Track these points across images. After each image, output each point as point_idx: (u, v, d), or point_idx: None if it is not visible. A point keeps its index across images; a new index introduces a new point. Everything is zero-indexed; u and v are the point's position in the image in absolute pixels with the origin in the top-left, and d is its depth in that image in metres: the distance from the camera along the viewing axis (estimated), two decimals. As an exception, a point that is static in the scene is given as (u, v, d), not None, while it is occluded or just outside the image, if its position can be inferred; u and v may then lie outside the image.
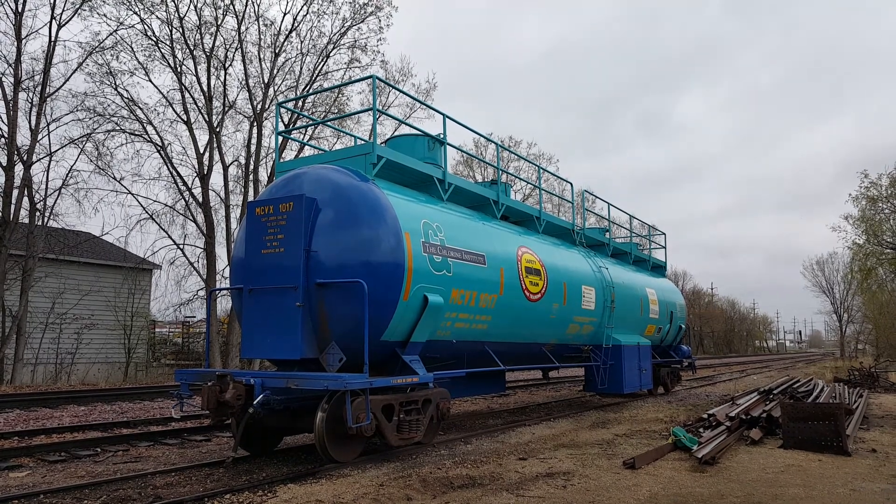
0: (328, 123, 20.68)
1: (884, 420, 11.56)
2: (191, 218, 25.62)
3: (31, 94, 21.59)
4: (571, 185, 15.57)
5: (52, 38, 21.70)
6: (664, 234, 19.69)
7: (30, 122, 21.46)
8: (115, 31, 23.30)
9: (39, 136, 21.54)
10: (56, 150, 22.41)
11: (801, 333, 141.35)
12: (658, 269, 18.81)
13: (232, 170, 26.58)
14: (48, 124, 22.00)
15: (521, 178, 15.02)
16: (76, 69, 22.73)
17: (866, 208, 29.43)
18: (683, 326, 18.48)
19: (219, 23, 25.12)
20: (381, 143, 9.82)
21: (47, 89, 21.70)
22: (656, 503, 5.73)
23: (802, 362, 51.18)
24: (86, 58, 22.86)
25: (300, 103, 26.14)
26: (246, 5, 25.34)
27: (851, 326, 68.80)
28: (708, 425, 9.72)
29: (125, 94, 24.07)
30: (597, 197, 17.00)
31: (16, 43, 21.07)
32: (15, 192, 20.83)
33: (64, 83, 22.66)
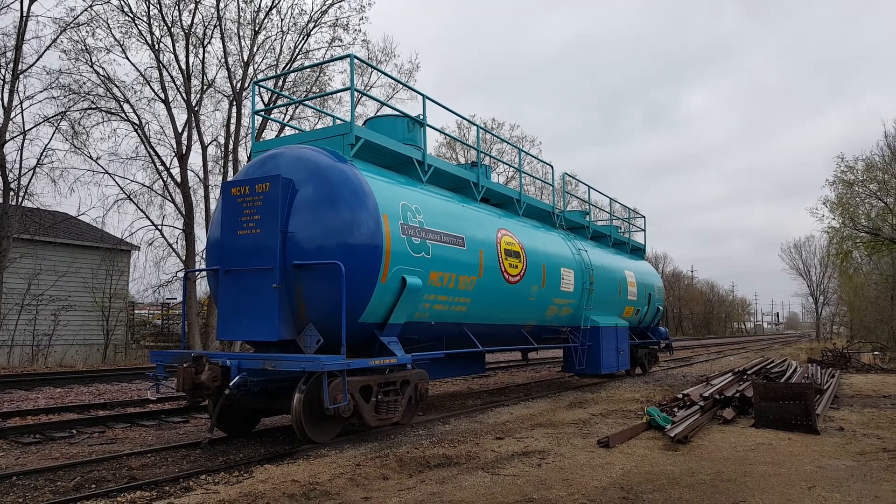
0: (307, 103, 20.46)
1: (853, 399, 11.82)
2: (169, 198, 25.29)
3: (3, 71, 21.09)
4: (552, 167, 15.60)
5: (25, 13, 21.18)
6: (644, 217, 19.84)
7: (2, 100, 20.99)
8: (91, 6, 22.74)
9: (12, 114, 21.10)
10: (30, 129, 21.96)
11: (778, 315, 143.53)
12: (637, 251, 18.97)
13: (211, 150, 26.26)
14: (21, 102, 21.54)
15: (502, 161, 15.03)
16: (50, 45, 22.20)
17: (843, 192, 29.82)
18: (661, 308, 18.69)
19: (196, -1, 24.64)
20: (361, 124, 9.75)
21: (20, 66, 21.21)
22: (628, 481, 5.83)
23: (779, 344, 52.05)
24: (59, 34, 22.33)
25: (280, 83, 25.82)
26: (224, -18, 24.86)
27: (827, 309, 69.92)
28: (682, 405, 9.88)
29: (101, 72, 23.57)
30: (578, 180, 17.06)
31: (-14, 18, 20.54)
32: (-13, 172, 20.42)
33: (37, 60, 22.12)
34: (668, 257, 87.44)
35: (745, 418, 9.31)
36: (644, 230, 19.66)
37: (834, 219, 30.22)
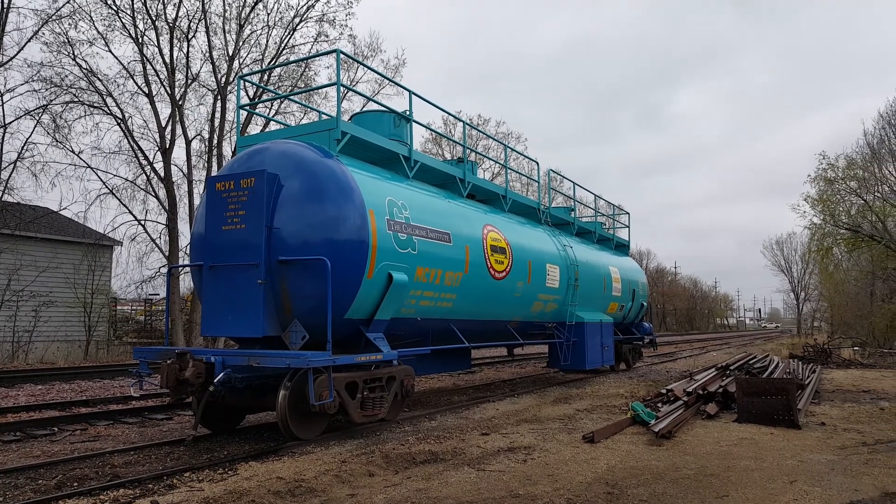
0: (292, 98, 20.32)
1: (834, 394, 11.98)
2: (152, 193, 25.05)
3: (-18, 63, 20.77)
4: (538, 164, 15.64)
5: (6, 4, 20.89)
6: (628, 213, 19.93)
7: (-19, 93, 20.67)
8: (72, -2, 22.45)
9: (-8, 107, 20.79)
10: (10, 122, 21.66)
11: (760, 311, 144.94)
12: (621, 247, 19.07)
13: (195, 144, 26.02)
14: (1, 95, 21.25)
15: (488, 157, 14.99)
16: (31, 37, 21.91)
17: (824, 189, 30.12)
18: (645, 304, 18.82)
19: (180, -8, 24.37)
20: (347, 120, 9.71)
21: (0, 58, 20.91)
22: (613, 476, 5.87)
23: (761, 339, 52.63)
24: (41, 26, 22.03)
25: (265, 77, 25.63)
26: (209, -25, 24.61)
27: (808, 304, 70.83)
28: (666, 400, 9.96)
29: (84, 65, 23.27)
30: (563, 177, 17.10)
31: (-35, 9, 20.18)
32: (-33, 165, 20.11)
33: (18, 52, 21.80)
34: (653, 254, 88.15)
35: (728, 413, 9.39)
36: (628, 227, 19.77)
37: (815, 215, 30.54)
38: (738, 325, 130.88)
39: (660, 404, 9.76)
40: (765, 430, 8.12)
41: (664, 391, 10.52)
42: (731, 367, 13.79)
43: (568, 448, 7.11)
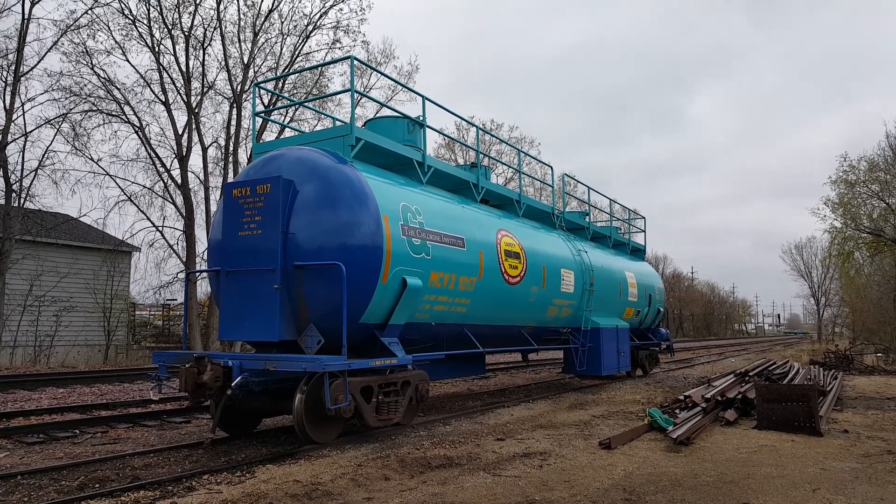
0: (307, 105, 20.46)
1: (857, 401, 11.80)
2: (170, 200, 25.35)
3: (4, 73, 21.14)
4: (552, 168, 15.61)
5: (26, 16, 21.22)
6: (644, 218, 19.82)
7: (3, 102, 21.03)
8: (91, 8, 22.81)
9: (14, 116, 21.14)
10: (31, 131, 22.00)
11: (779, 317, 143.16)
12: (637, 252, 18.95)
13: (211, 151, 26.32)
14: (23, 104, 21.59)
15: (501, 162, 15.00)
16: (51, 48, 22.28)
17: (844, 192, 29.73)
18: (662, 309, 18.67)
19: (197, 1, 24.70)
20: (361, 126, 9.76)
21: (21, 68, 21.26)
22: (630, 482, 5.83)
23: (780, 345, 51.99)
24: (60, 36, 22.40)
25: (280, 84, 25.85)
26: (225, -17, 24.90)
27: (829, 310, 69.90)
28: (684, 407, 9.87)
29: (102, 74, 23.64)
30: (577, 181, 17.06)
31: (-13, 20, 20.58)
32: (-11, 173, 20.45)
33: (38, 62, 22.29)
34: (669, 258, 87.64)
35: (748, 420, 9.29)
36: (644, 231, 19.66)
37: (836, 219, 30.14)
38: (756, 330, 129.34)
39: (678, 410, 9.67)
40: (785, 437, 8.02)
41: (682, 397, 10.42)
42: (751, 374, 13.64)
43: (584, 454, 7.07)
